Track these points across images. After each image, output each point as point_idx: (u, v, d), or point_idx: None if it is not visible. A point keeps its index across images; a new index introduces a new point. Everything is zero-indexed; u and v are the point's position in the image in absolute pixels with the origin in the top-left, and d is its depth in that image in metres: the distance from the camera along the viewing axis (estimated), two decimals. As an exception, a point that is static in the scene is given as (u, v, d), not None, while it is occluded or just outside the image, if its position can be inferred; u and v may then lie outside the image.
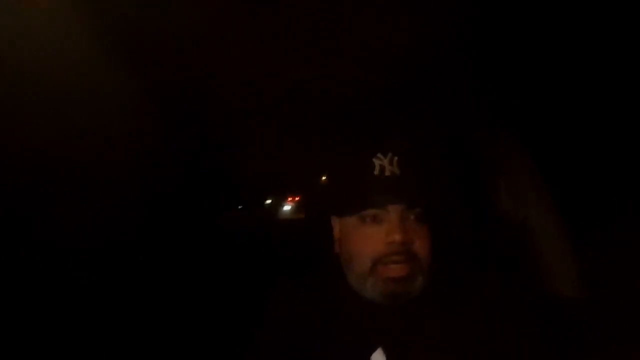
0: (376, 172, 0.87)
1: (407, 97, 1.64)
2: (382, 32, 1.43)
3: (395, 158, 0.88)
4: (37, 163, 1.62)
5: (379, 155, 0.88)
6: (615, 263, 1.35)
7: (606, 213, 1.46)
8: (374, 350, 0.83)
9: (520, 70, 1.54)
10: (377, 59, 1.55)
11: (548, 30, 1.44)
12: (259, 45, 1.46)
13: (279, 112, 1.80)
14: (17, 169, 1.57)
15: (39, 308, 1.81)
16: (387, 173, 0.87)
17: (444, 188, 0.99)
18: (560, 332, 1.00)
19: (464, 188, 1.61)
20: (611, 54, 1.43)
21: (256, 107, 1.76)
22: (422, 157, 0.92)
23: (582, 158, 1.55)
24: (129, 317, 1.89)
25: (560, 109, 1.56)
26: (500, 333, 0.85)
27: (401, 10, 1.35)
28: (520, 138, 1.61)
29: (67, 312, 1.87)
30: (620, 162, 1.48)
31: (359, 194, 0.88)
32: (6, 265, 1.71)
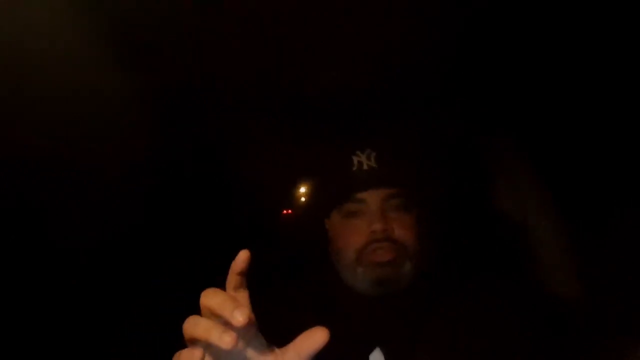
0: (354, 167, 0.90)
1: (400, 99, 1.64)
2: (381, 33, 1.43)
3: (373, 154, 0.90)
4: (37, 162, 1.62)
5: (357, 152, 0.91)
6: (615, 263, 1.35)
7: (606, 213, 1.46)
8: (371, 350, 0.83)
9: (520, 70, 1.54)
10: (376, 60, 1.55)
11: (547, 32, 1.44)
12: (247, 47, 1.47)
13: (264, 117, 1.80)
14: (16, 167, 1.57)
15: (39, 307, 1.81)
16: (365, 167, 0.90)
17: (429, 182, 1.00)
18: (559, 332, 1.00)
19: (460, 186, 1.61)
20: (610, 55, 1.42)
21: (249, 112, 1.77)
22: (402, 153, 0.94)
23: (581, 158, 1.55)
24: (127, 316, 1.89)
25: (559, 109, 1.56)
26: (498, 331, 0.85)
27: (398, 11, 1.35)
28: (520, 138, 1.61)
29: (69, 311, 1.87)
30: (620, 162, 1.48)
31: (339, 189, 0.91)
32: (5, 264, 1.70)
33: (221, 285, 0.58)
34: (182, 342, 0.56)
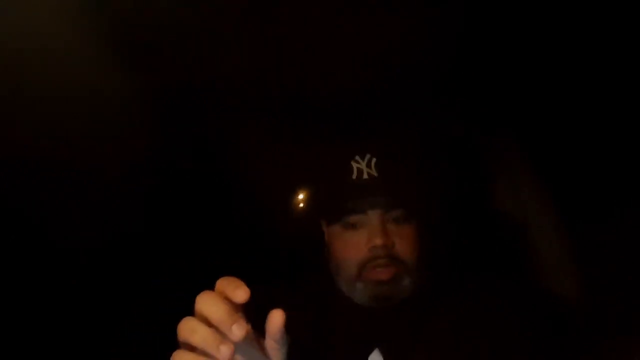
0: (354, 176, 0.86)
1: (400, 100, 1.64)
2: (378, 33, 1.43)
3: (374, 160, 0.86)
4: (37, 162, 1.61)
5: (357, 158, 0.87)
6: (615, 263, 1.35)
7: (606, 213, 1.46)
8: (370, 351, 0.82)
9: (520, 70, 1.54)
10: (376, 60, 1.55)
11: (547, 32, 1.44)
12: (244, 49, 1.47)
13: (264, 117, 1.80)
14: (16, 167, 1.57)
15: (39, 307, 1.81)
16: (365, 176, 0.86)
17: (430, 188, 0.98)
18: (559, 333, 1.00)
19: (459, 188, 1.60)
20: (610, 55, 1.42)
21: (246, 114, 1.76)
22: (403, 158, 0.90)
23: (581, 158, 1.55)
24: (127, 316, 1.89)
25: (559, 108, 1.56)
26: (498, 333, 0.84)
27: (396, 10, 1.35)
28: (520, 138, 1.61)
29: (70, 311, 1.87)
30: (620, 162, 1.48)
31: (339, 200, 0.87)
32: (6, 264, 1.70)
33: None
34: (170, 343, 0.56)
